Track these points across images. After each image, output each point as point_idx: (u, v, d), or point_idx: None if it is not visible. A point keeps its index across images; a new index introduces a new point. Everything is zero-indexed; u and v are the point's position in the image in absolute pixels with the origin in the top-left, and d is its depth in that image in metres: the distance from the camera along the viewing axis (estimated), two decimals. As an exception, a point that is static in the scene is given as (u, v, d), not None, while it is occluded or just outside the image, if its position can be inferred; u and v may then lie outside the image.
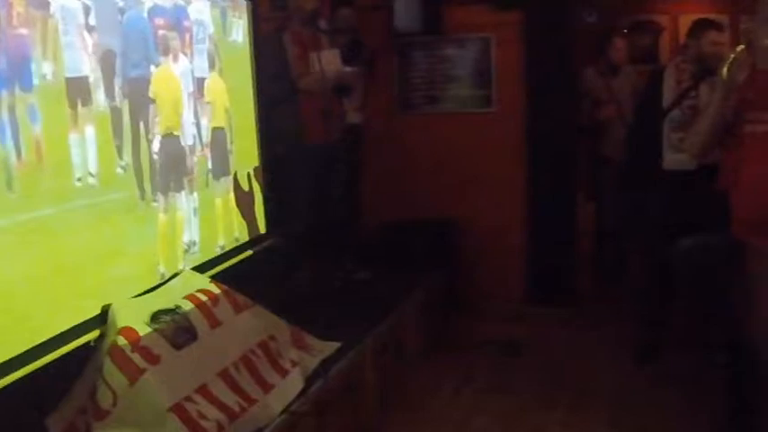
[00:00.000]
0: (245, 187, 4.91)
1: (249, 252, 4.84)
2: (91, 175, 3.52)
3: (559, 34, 6.39)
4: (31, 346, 3.11)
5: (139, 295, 3.68)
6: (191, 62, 4.34)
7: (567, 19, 6.51)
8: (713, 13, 7.72)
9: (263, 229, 5.07)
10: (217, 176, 4.62)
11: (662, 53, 8.41)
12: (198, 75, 4.42)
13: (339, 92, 5.57)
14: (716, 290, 4.10)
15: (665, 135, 5.20)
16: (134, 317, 3.44)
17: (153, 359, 3.31)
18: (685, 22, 6.44)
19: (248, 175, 4.96)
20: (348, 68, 5.46)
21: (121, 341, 3.28)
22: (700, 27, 5.27)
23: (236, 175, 4.81)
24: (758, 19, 3.85)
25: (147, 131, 3.95)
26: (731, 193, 3.90)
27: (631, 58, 6.76)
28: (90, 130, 3.53)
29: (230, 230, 4.73)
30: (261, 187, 5.05)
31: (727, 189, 3.93)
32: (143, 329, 3.39)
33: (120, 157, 3.76)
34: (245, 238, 4.89)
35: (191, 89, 4.33)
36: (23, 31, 3.15)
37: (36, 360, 3.13)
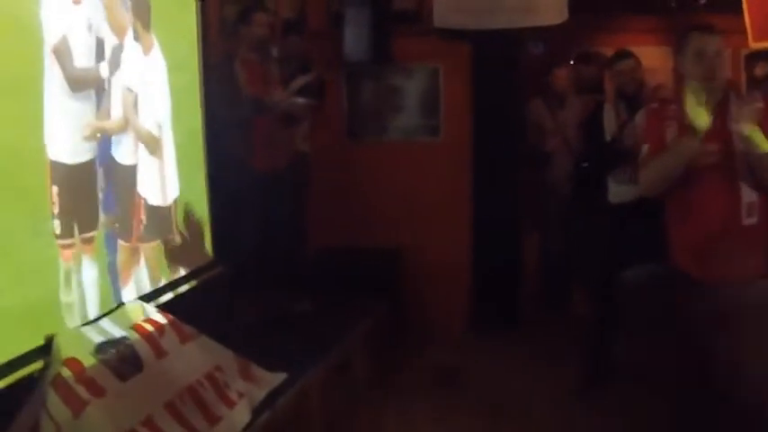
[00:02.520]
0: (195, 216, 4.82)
1: (195, 281, 4.77)
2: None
3: (506, 65, 6.48)
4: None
5: (85, 325, 3.62)
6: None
7: (515, 50, 6.59)
8: (655, 45, 7.88)
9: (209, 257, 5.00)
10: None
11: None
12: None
13: (287, 122, 5.56)
14: (663, 320, 4.11)
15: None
16: (79, 347, 3.38)
17: (98, 391, 3.24)
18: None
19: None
20: (300, 100, 5.44)
21: (66, 372, 3.21)
22: (611, 59, 5.48)
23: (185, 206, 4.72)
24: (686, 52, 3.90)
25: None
26: (675, 225, 3.94)
27: (577, 88, 6.84)
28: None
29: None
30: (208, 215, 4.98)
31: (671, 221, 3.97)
32: (88, 360, 3.32)
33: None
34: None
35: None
36: None
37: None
